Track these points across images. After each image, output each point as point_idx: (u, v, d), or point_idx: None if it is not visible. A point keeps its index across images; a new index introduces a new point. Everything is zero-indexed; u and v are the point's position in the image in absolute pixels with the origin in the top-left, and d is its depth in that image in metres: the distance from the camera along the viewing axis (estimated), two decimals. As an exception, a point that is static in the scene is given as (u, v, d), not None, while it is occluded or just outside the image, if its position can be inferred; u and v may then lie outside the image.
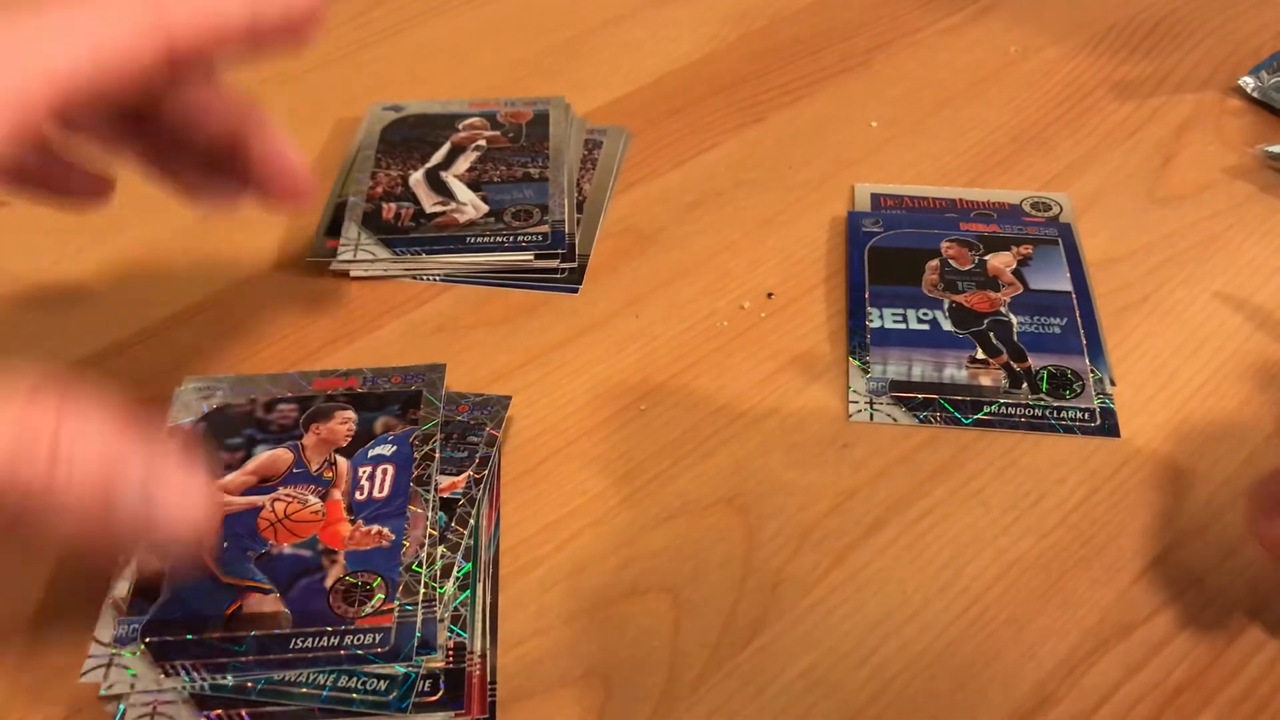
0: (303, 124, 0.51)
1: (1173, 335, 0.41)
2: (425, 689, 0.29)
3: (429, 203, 0.45)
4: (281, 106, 0.52)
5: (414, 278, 0.43)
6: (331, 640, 0.30)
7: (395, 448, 0.35)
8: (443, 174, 0.47)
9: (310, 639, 0.30)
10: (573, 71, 0.54)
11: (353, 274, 0.43)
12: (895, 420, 0.37)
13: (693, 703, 0.30)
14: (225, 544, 0.32)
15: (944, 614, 0.32)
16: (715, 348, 0.40)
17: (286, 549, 0.32)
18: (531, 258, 0.43)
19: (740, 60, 0.55)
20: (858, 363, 0.39)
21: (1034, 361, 0.39)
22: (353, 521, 0.33)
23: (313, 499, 0.33)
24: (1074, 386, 0.38)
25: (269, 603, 0.31)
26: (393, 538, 0.32)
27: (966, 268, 0.43)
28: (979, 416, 0.37)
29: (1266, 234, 0.45)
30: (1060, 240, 0.44)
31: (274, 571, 0.31)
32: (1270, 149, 0.48)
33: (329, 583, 0.31)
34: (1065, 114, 0.51)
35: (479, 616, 0.31)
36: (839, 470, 0.36)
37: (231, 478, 0.34)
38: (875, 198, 0.47)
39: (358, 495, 0.33)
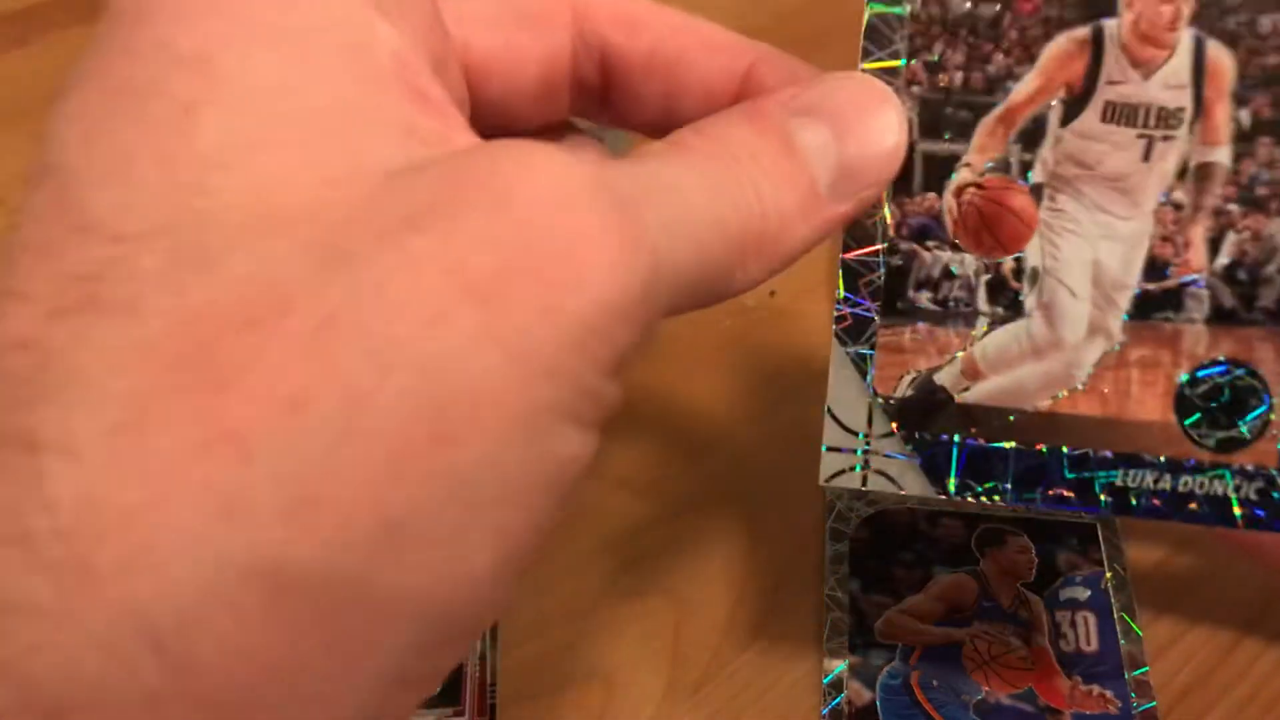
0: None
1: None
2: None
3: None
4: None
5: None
6: None
7: (1089, 592, 0.31)
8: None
9: None
10: (574, 68, 0.54)
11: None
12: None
13: (694, 705, 0.30)
14: (934, 681, 0.29)
15: (948, 615, 0.32)
16: (717, 346, 0.40)
17: (1004, 699, 0.29)
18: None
19: (742, 56, 0.55)
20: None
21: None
22: (1069, 676, 0.30)
23: (1014, 641, 0.30)
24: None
25: None
26: (1119, 705, 0.29)
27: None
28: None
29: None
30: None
31: None
32: None
33: None
34: (1070, 109, 0.51)
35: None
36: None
37: (918, 602, 0.31)
38: (878, 194, 0.46)
39: (1063, 645, 0.30)
